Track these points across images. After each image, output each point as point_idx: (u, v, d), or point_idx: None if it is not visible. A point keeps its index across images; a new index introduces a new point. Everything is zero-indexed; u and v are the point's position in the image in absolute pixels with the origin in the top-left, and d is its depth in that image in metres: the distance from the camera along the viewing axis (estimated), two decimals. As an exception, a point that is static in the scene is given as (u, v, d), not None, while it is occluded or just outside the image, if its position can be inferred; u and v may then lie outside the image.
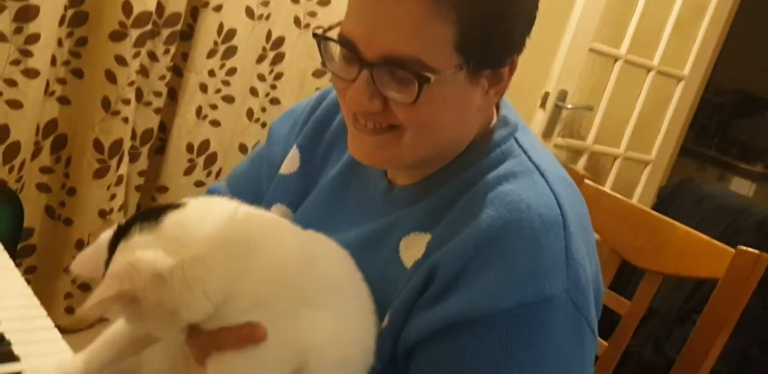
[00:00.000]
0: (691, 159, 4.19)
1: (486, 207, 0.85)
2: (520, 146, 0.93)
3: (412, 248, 0.91)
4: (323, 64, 0.90)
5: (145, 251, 0.74)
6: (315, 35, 0.89)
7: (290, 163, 1.13)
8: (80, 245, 2.04)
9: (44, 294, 2.08)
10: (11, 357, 0.88)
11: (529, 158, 0.92)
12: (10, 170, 1.84)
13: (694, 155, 4.25)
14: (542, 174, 0.90)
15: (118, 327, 0.89)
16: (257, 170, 1.19)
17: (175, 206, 0.80)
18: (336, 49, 0.88)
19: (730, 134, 4.65)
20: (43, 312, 1.00)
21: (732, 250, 1.21)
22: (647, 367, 2.22)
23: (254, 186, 1.18)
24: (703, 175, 4.23)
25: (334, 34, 0.88)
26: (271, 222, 0.88)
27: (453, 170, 0.93)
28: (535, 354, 0.82)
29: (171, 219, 0.78)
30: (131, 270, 0.73)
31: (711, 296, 1.22)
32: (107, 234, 0.80)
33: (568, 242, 0.85)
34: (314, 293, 0.83)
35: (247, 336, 0.77)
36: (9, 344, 0.91)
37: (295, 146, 1.13)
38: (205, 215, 0.80)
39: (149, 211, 0.80)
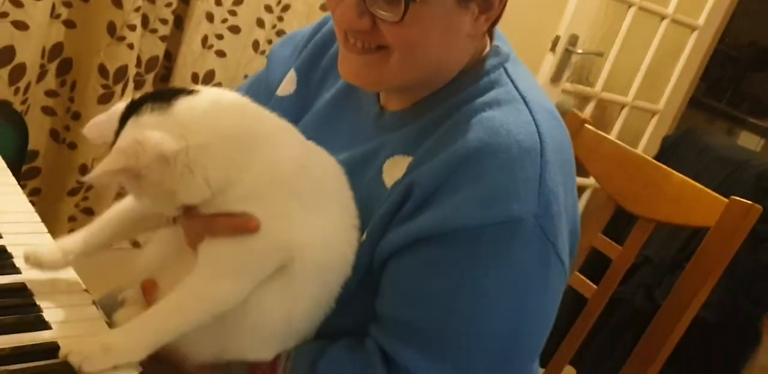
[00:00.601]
0: (700, 111, 4.15)
1: (467, 131, 0.87)
2: (509, 76, 0.95)
3: (394, 170, 0.93)
4: None
5: (153, 131, 0.77)
6: None
7: (287, 85, 1.15)
8: (84, 169, 2.06)
9: (48, 217, 2.10)
10: (13, 269, 0.91)
11: (516, 87, 0.93)
12: (16, 91, 1.84)
13: (704, 107, 4.21)
14: (526, 104, 0.91)
15: (114, 211, 0.94)
16: (256, 92, 1.20)
17: (188, 91, 0.83)
18: None
19: (742, 88, 4.59)
20: (43, 228, 1.01)
21: (725, 200, 1.22)
22: (636, 313, 2.25)
23: None
24: (712, 128, 4.20)
25: None
26: (278, 123, 0.91)
27: (441, 97, 0.95)
28: (496, 272, 0.85)
29: (183, 104, 0.81)
30: (138, 148, 0.76)
31: (701, 244, 1.23)
32: (121, 105, 0.83)
33: (543, 169, 0.86)
34: (307, 196, 0.87)
35: (241, 225, 0.81)
36: (11, 257, 0.93)
37: (292, 69, 1.15)
38: (217, 105, 0.84)
39: (163, 92, 0.83)
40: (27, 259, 0.90)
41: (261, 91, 1.19)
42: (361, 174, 0.96)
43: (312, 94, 1.13)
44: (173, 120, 0.79)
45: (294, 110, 1.13)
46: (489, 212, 0.83)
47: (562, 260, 0.89)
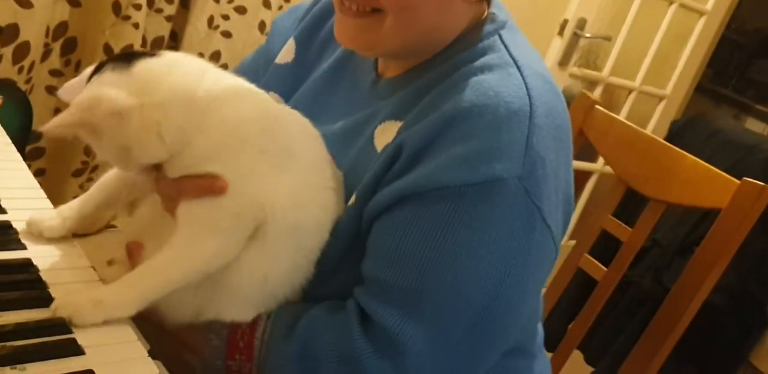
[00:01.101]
0: (706, 97, 4.13)
1: (456, 94, 0.87)
2: (503, 42, 0.94)
3: (385, 135, 0.93)
4: None
5: (110, 88, 0.81)
6: None
7: (286, 53, 1.16)
8: (88, 150, 2.05)
9: (52, 197, 2.08)
10: (19, 245, 0.90)
11: (509, 53, 0.93)
12: (20, 70, 1.83)
13: (710, 93, 4.19)
14: (518, 68, 0.90)
15: (108, 176, 0.96)
16: (258, 63, 1.21)
17: (151, 54, 0.86)
18: None
19: (748, 74, 4.57)
20: (49, 204, 1.01)
21: (737, 181, 1.21)
22: (645, 296, 2.25)
23: (254, 77, 1.19)
24: (718, 114, 4.18)
25: None
26: (239, 87, 0.92)
27: (435, 63, 0.95)
28: (477, 232, 0.84)
29: (142, 65, 0.84)
30: (93, 103, 0.79)
31: (712, 226, 1.22)
32: (91, 68, 0.87)
33: (531, 131, 0.85)
34: (274, 156, 0.88)
35: (208, 186, 0.83)
36: (16, 232, 0.92)
37: (291, 38, 1.16)
38: (175, 66, 0.86)
39: (128, 54, 0.86)
40: (29, 226, 0.92)
41: (261, 61, 1.20)
42: (354, 141, 0.97)
43: (310, 63, 1.14)
44: (131, 79, 0.82)
45: (292, 79, 1.13)
46: (472, 172, 0.83)
47: (548, 224, 0.88)
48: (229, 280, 0.87)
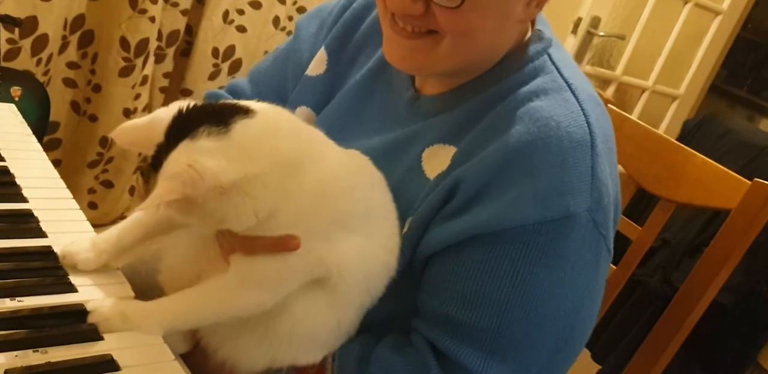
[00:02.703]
0: (720, 98, 4.11)
1: (515, 123, 0.85)
2: (553, 63, 0.92)
3: (436, 160, 0.91)
4: None
5: (212, 159, 0.73)
6: None
7: (317, 65, 1.12)
8: (104, 142, 2.07)
9: (68, 187, 2.11)
10: (39, 233, 0.91)
11: (561, 75, 0.91)
12: (38, 62, 1.85)
13: (724, 94, 4.17)
14: (573, 92, 0.88)
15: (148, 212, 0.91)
16: (282, 67, 1.18)
17: (244, 111, 0.78)
18: None
19: (764, 75, 4.55)
20: (68, 194, 1.02)
21: (748, 182, 1.21)
22: (653, 296, 2.25)
23: (278, 83, 1.18)
24: (732, 115, 4.16)
25: None
26: (322, 143, 0.88)
27: (483, 83, 0.93)
28: (553, 269, 0.83)
29: (241, 129, 0.76)
30: (195, 176, 0.72)
31: (722, 226, 1.22)
32: (165, 113, 0.78)
33: (594, 161, 0.84)
34: (350, 217, 0.84)
35: (283, 243, 0.79)
36: (37, 221, 0.93)
37: (323, 48, 1.12)
38: (274, 130, 0.79)
39: (218, 111, 0.78)
40: (63, 258, 0.88)
41: (289, 68, 1.16)
42: (396, 161, 0.94)
43: (343, 73, 1.10)
44: (231, 147, 0.75)
45: (325, 91, 1.10)
46: (546, 209, 0.81)
47: (610, 250, 0.89)
48: (303, 331, 0.85)
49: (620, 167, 1.42)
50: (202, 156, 0.73)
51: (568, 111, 0.86)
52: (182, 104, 0.78)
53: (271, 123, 0.80)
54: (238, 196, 0.74)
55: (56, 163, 2.08)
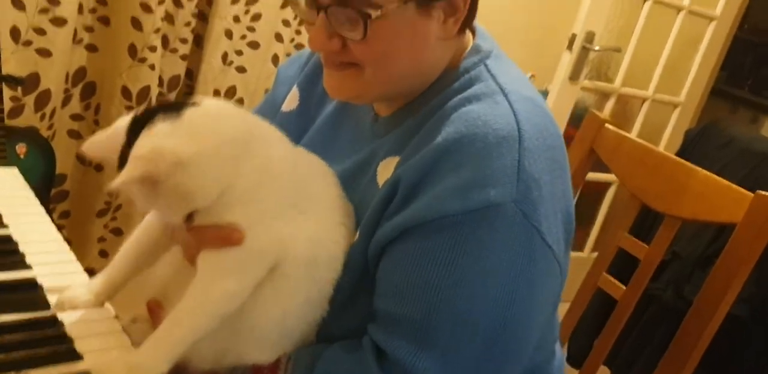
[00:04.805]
0: (723, 100, 4.11)
1: (447, 126, 0.89)
2: (489, 71, 0.96)
3: (386, 171, 0.96)
4: (293, 10, 0.98)
5: (169, 139, 0.83)
6: None
7: (291, 101, 1.19)
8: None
9: (78, 239, 2.15)
10: (46, 305, 0.94)
11: (496, 81, 0.94)
12: (42, 117, 1.88)
13: (726, 96, 4.17)
14: (506, 95, 0.92)
15: (129, 247, 0.98)
16: (264, 112, 1.23)
17: (193, 103, 0.88)
18: None
19: (764, 73, 4.54)
20: (72, 256, 1.04)
21: (751, 194, 1.21)
22: (668, 310, 2.23)
23: None
24: (735, 117, 4.15)
25: None
26: (268, 128, 0.95)
27: (426, 97, 0.98)
28: (477, 258, 0.85)
29: (191, 114, 0.86)
30: (155, 155, 0.81)
31: (729, 240, 1.23)
32: (123, 122, 0.87)
33: (521, 155, 0.87)
34: (296, 197, 0.91)
35: (226, 237, 0.86)
36: (42, 289, 0.96)
37: (295, 85, 1.19)
38: (219, 112, 0.89)
39: (170, 105, 0.88)
40: (60, 305, 0.94)
41: (267, 111, 1.22)
42: (359, 179, 1.00)
43: (314, 109, 1.17)
44: (185, 127, 0.84)
45: (298, 125, 1.16)
46: (467, 200, 0.84)
47: (549, 244, 0.89)
48: (247, 321, 0.89)
49: (622, 183, 1.43)
50: (160, 138, 0.83)
51: (497, 111, 0.90)
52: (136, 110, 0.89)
53: (219, 109, 0.90)
54: (197, 169, 0.83)
55: (65, 214, 2.11)
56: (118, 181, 0.80)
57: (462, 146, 0.87)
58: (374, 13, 0.85)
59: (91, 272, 1.02)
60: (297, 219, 0.90)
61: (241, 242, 0.85)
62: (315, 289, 0.92)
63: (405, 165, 0.90)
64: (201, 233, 0.88)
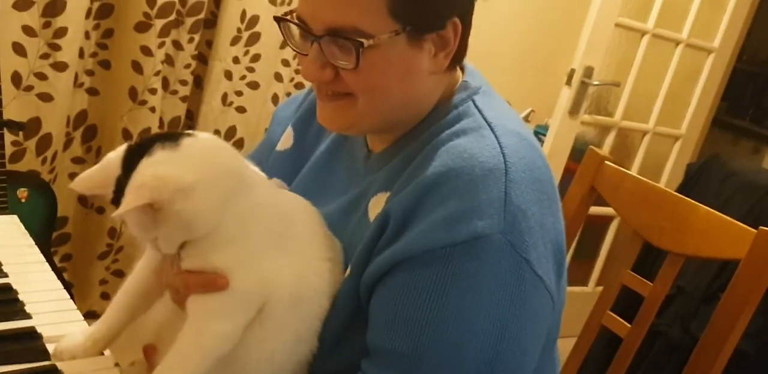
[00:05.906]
0: (724, 131, 4.12)
1: (434, 160, 0.90)
2: (476, 107, 0.97)
3: (376, 207, 0.96)
4: (288, 43, 0.98)
5: (170, 166, 0.84)
6: (276, 18, 0.96)
7: (285, 141, 1.20)
8: (113, 232, 2.09)
9: (80, 281, 2.15)
10: (45, 355, 0.93)
11: (483, 116, 0.95)
12: (43, 161, 1.89)
13: (727, 127, 4.18)
14: (492, 129, 0.93)
15: (124, 293, 0.98)
16: (261, 153, 1.25)
17: (187, 134, 0.89)
18: (295, 28, 0.95)
19: (765, 103, 4.56)
20: (72, 305, 1.04)
21: (754, 231, 1.21)
22: (674, 346, 2.21)
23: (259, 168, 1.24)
24: (737, 148, 4.16)
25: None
26: (253, 168, 0.97)
27: (416, 133, 0.99)
28: (465, 291, 0.85)
29: (189, 143, 0.87)
30: (158, 182, 0.82)
31: (733, 276, 1.22)
32: (114, 155, 0.88)
33: (508, 187, 0.87)
34: (280, 236, 0.92)
35: (211, 282, 0.86)
36: (41, 338, 0.96)
37: (290, 125, 1.20)
38: (215, 144, 0.91)
39: (165, 135, 0.89)
40: (58, 355, 0.93)
41: (264, 152, 1.24)
42: (351, 216, 1.00)
43: (308, 147, 1.18)
44: (184, 156, 0.86)
45: (292, 164, 1.17)
46: (455, 232, 0.84)
47: (539, 275, 0.89)
48: (238, 361, 0.89)
49: (624, 221, 1.42)
50: (161, 166, 0.83)
51: (484, 145, 0.90)
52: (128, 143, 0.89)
53: (214, 142, 0.92)
54: (199, 196, 0.83)
55: (67, 257, 2.11)
56: (122, 209, 0.80)
57: (449, 179, 0.87)
58: (366, 42, 0.87)
59: (93, 314, 1.02)
60: (280, 258, 0.91)
61: (226, 287, 0.86)
62: (303, 326, 0.93)
63: (394, 200, 0.91)
64: (185, 278, 0.88)
